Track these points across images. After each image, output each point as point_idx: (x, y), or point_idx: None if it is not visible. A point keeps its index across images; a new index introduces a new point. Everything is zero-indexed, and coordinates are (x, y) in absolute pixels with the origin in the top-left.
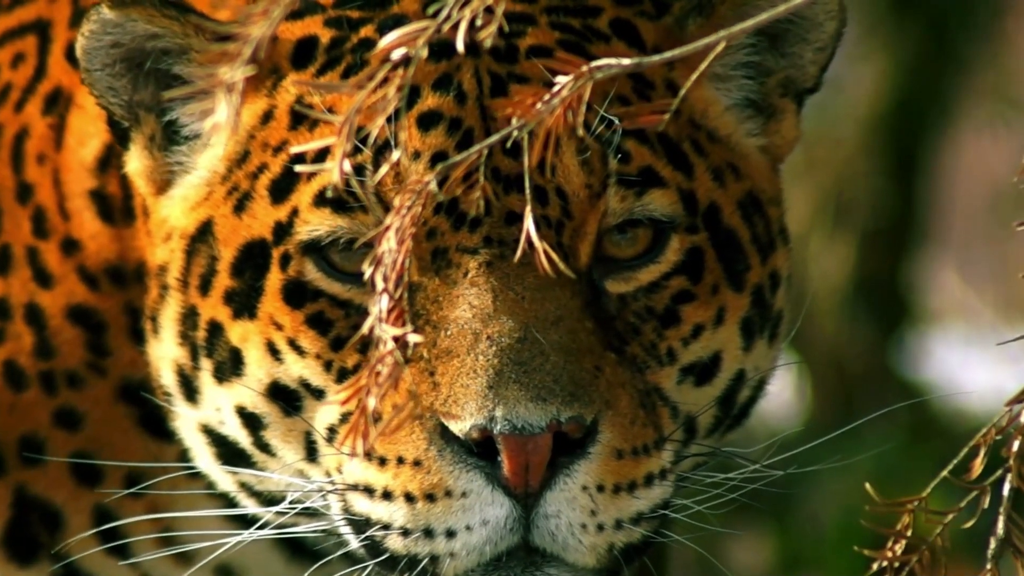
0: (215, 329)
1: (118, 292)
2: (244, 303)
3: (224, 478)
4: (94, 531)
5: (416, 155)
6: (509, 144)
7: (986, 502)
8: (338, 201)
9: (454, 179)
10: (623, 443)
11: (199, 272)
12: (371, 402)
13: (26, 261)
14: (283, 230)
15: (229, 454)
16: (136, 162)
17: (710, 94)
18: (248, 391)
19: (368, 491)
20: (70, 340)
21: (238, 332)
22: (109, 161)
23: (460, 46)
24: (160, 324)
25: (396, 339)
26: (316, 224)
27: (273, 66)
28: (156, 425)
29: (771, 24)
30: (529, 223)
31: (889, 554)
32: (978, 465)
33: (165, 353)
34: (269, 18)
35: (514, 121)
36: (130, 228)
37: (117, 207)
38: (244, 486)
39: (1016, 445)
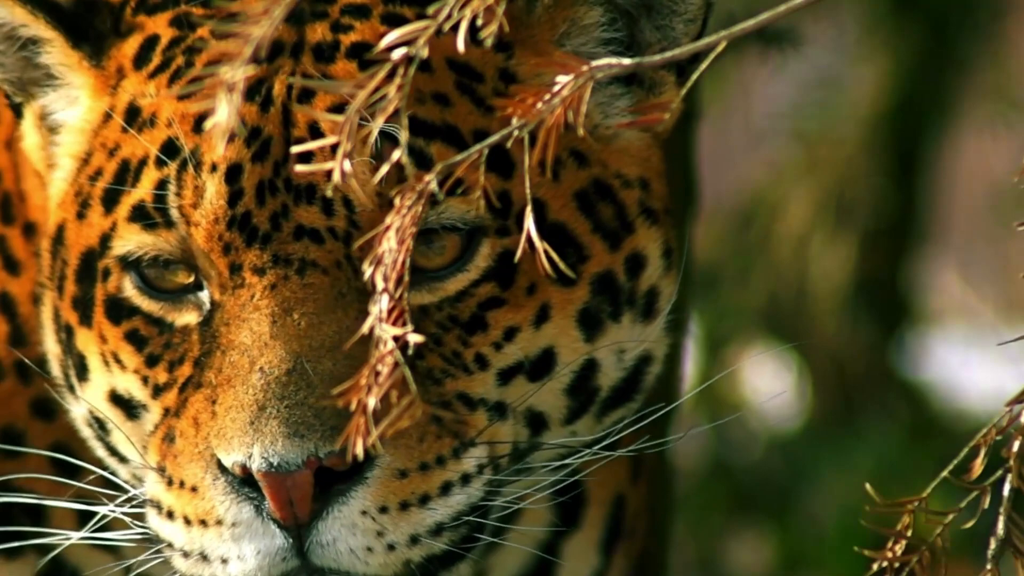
0: (69, 332)
1: None
2: (84, 312)
3: (119, 469)
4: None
5: (213, 168)
6: (510, 144)
7: (986, 502)
8: (146, 217)
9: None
10: (408, 462)
11: (58, 274)
12: (371, 402)
13: None
14: (105, 243)
15: (108, 448)
16: (29, 137)
17: (554, 78)
18: (97, 394)
19: (158, 508)
20: (37, 327)
21: (82, 339)
22: None
23: (461, 45)
24: (41, 320)
25: (396, 339)
26: (127, 239)
27: (119, 65)
28: None
29: None
30: (529, 222)
31: (889, 554)
32: (978, 465)
33: (49, 348)
34: (271, 17)
35: (515, 121)
36: None
37: None
38: (135, 476)
39: (1016, 445)
